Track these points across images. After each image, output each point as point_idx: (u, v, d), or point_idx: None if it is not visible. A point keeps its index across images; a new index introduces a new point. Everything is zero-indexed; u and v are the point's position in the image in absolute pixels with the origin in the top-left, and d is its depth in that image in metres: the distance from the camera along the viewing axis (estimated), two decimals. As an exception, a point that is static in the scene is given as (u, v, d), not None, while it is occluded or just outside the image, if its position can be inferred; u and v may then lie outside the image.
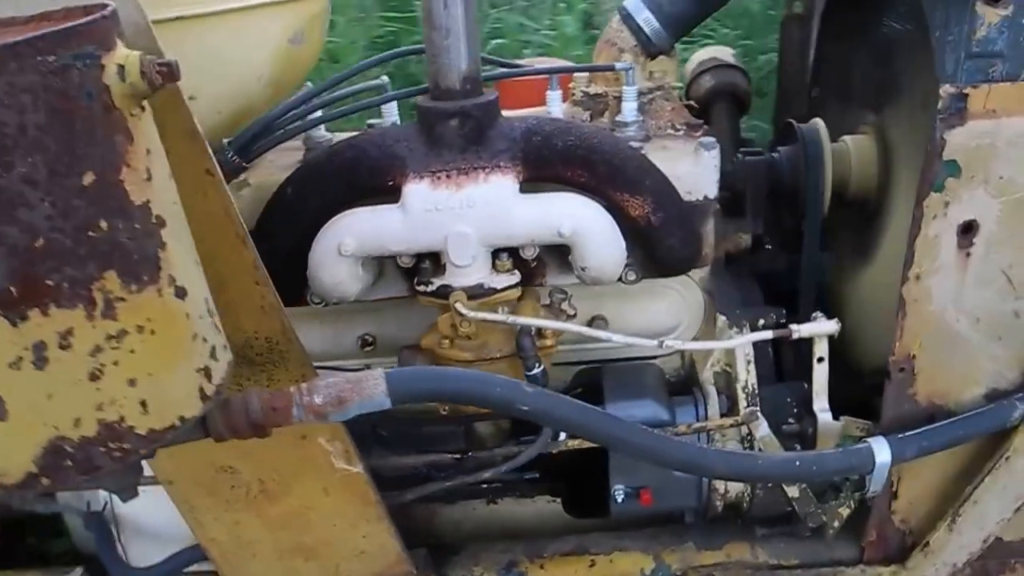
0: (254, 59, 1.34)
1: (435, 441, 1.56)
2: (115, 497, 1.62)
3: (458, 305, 1.35)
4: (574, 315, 1.46)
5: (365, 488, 1.42)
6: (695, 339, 1.62)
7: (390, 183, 1.38)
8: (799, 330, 1.44)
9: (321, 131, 1.55)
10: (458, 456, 1.50)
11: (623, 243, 1.42)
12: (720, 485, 1.57)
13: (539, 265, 1.50)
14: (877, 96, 1.68)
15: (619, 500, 1.54)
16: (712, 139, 1.48)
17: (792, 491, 1.55)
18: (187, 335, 0.92)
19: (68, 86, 0.77)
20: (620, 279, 1.49)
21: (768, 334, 1.44)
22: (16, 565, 1.70)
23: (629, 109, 1.51)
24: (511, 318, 1.36)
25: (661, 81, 1.64)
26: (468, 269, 1.37)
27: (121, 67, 0.80)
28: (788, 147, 1.68)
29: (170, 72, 0.83)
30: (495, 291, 1.38)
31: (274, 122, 1.43)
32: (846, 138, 1.69)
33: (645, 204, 1.40)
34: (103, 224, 0.80)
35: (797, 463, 1.35)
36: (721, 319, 1.54)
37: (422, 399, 1.14)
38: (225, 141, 1.38)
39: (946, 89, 1.25)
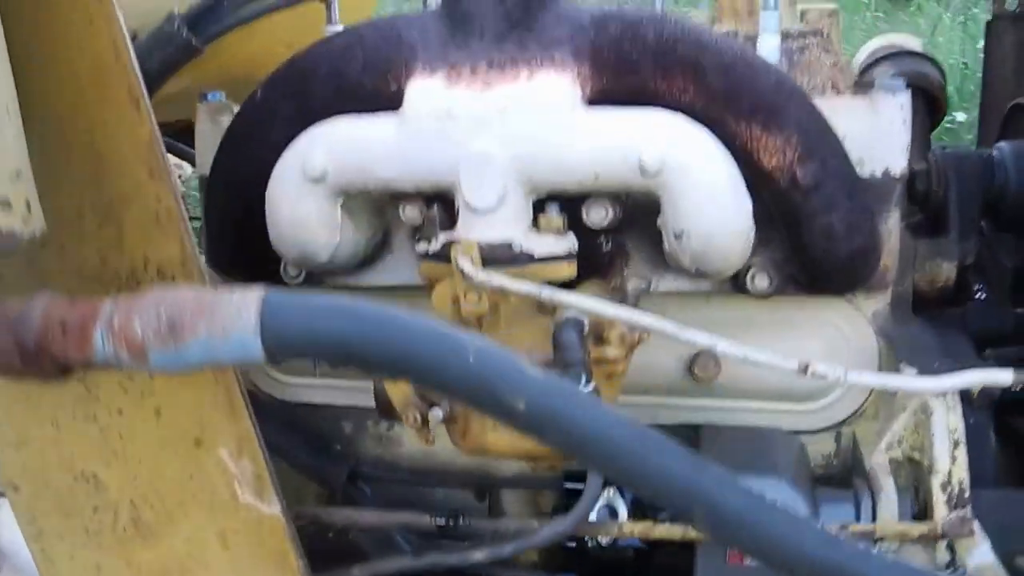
0: None
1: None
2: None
3: (461, 260, 0.85)
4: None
5: (283, 545, 0.90)
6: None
7: (392, 86, 0.92)
8: None
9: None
10: (443, 523, 0.95)
11: (747, 199, 0.89)
12: None
13: (617, 249, 0.99)
14: None
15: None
16: (900, 80, 0.96)
17: None
18: None
19: None
20: (744, 285, 0.97)
21: (1006, 375, 0.82)
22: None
23: (768, 46, 1.00)
24: (544, 289, 0.84)
25: (818, 28, 1.13)
26: (491, 217, 0.88)
27: None
28: (1014, 141, 1.14)
29: None
30: (530, 258, 0.88)
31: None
32: None
33: (787, 146, 0.87)
34: None
35: None
36: (908, 370, 0.97)
37: (314, 350, 0.62)
38: (174, 9, 0.98)
39: None
